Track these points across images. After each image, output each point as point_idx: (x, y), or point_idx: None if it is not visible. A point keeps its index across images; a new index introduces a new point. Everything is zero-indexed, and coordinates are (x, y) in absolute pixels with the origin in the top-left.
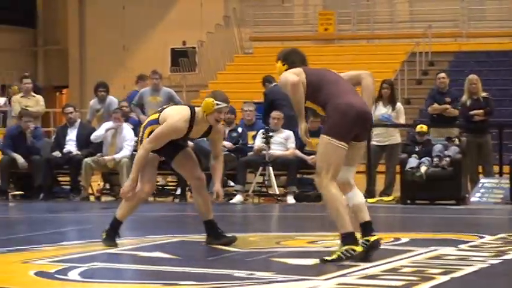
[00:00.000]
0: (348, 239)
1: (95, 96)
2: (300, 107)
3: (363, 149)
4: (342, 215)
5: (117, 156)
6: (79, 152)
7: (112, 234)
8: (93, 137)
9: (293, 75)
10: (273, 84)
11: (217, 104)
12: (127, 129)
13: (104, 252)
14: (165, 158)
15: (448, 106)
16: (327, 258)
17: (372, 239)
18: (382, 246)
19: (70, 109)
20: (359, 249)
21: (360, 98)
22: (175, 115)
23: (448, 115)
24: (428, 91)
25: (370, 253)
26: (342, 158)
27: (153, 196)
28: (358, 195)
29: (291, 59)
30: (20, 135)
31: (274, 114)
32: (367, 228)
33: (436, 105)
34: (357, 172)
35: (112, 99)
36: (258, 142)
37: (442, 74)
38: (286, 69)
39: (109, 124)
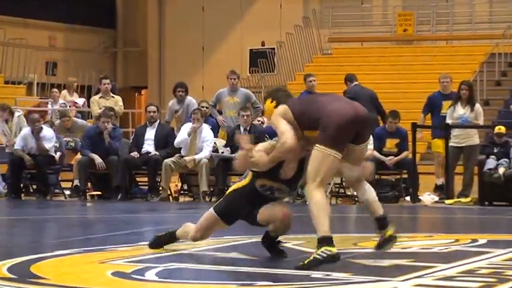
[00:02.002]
0: (323, 241)
1: (174, 96)
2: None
3: (365, 150)
4: (320, 219)
5: (198, 156)
6: (157, 153)
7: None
8: (176, 143)
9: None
10: (354, 83)
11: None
12: (206, 129)
13: (181, 252)
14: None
15: None
16: (302, 263)
17: (387, 233)
18: (459, 248)
19: (153, 108)
20: (334, 250)
21: (351, 103)
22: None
23: None
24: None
25: (384, 247)
26: (332, 166)
27: None
28: (368, 192)
29: (277, 95)
30: (98, 136)
31: None
32: (380, 222)
33: None
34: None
35: (191, 100)
36: None
37: None
38: (275, 107)
39: (189, 126)
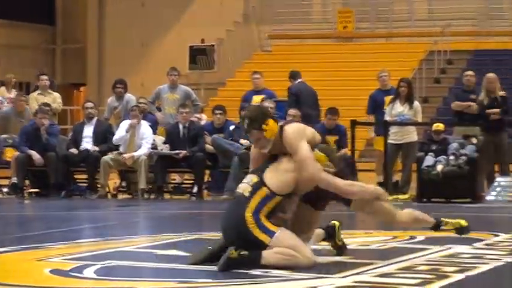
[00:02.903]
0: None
1: (113, 93)
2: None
3: None
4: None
5: (136, 154)
6: (96, 148)
7: None
8: (115, 140)
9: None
10: (298, 80)
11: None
12: (145, 126)
13: (120, 250)
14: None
15: (472, 103)
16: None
17: None
18: (397, 245)
19: (90, 104)
20: None
21: None
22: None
23: (471, 112)
24: (454, 90)
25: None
26: None
27: (170, 194)
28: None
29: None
30: (35, 132)
31: (291, 111)
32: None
33: (457, 102)
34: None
35: (130, 97)
36: None
37: (470, 72)
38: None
39: (127, 123)
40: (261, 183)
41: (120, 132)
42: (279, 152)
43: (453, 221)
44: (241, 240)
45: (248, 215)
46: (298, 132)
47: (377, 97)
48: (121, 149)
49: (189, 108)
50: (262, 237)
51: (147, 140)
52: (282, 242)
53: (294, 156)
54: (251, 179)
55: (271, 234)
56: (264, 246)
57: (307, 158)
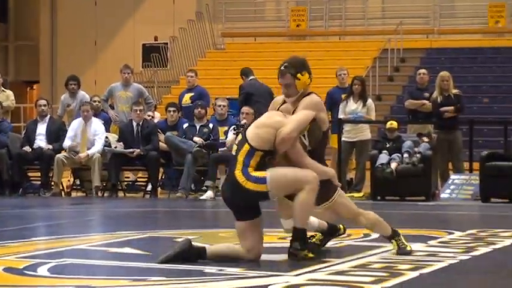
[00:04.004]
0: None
1: (66, 90)
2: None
3: None
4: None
5: (90, 151)
6: (50, 147)
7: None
8: (65, 146)
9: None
10: (250, 78)
11: None
12: (96, 122)
13: (74, 248)
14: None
15: (425, 102)
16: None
17: None
18: (352, 243)
19: (43, 101)
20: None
21: None
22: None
23: (425, 110)
24: (407, 88)
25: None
26: None
27: (124, 192)
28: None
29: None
30: None
31: (244, 109)
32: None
33: (411, 100)
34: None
35: (84, 95)
36: (230, 138)
37: (423, 70)
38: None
39: (78, 122)
40: (244, 140)
41: (70, 135)
42: (292, 107)
43: (405, 242)
44: (237, 199)
45: (238, 173)
46: (318, 104)
47: (334, 94)
48: None
49: (143, 106)
50: (259, 187)
51: (100, 135)
52: (279, 179)
53: (295, 114)
54: (239, 136)
55: (264, 181)
56: (264, 194)
57: (299, 122)
